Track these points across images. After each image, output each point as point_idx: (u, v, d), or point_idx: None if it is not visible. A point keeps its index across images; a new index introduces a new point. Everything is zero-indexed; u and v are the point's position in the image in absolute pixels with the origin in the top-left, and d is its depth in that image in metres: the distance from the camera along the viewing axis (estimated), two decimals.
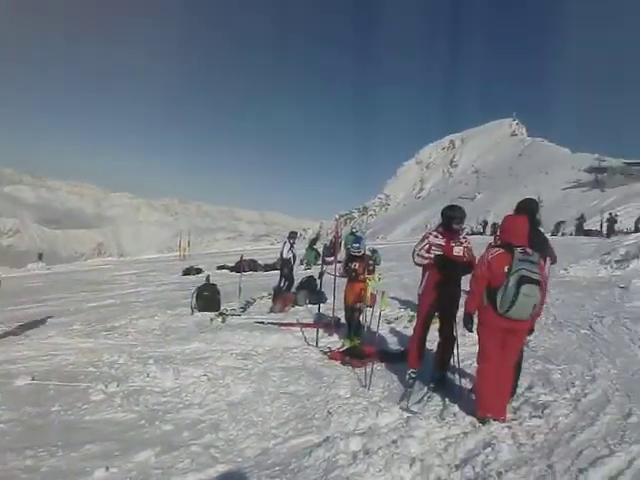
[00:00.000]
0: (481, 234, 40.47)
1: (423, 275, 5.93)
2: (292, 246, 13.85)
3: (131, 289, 16.61)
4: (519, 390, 5.43)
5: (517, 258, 4.58)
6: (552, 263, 9.91)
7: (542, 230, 5.85)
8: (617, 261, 15.91)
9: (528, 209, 5.45)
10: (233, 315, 10.69)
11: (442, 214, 5.91)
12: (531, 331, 5.05)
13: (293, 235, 14.63)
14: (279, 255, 14.06)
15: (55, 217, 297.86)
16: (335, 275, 8.65)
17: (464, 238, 5.87)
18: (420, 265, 5.87)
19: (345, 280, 8.45)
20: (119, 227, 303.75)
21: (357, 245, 8.24)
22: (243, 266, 16.08)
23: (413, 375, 5.98)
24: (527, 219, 4.94)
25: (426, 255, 5.73)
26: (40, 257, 38.19)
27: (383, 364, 6.90)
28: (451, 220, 5.76)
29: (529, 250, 4.63)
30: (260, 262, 22.52)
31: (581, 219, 38.28)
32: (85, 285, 17.88)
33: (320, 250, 22.82)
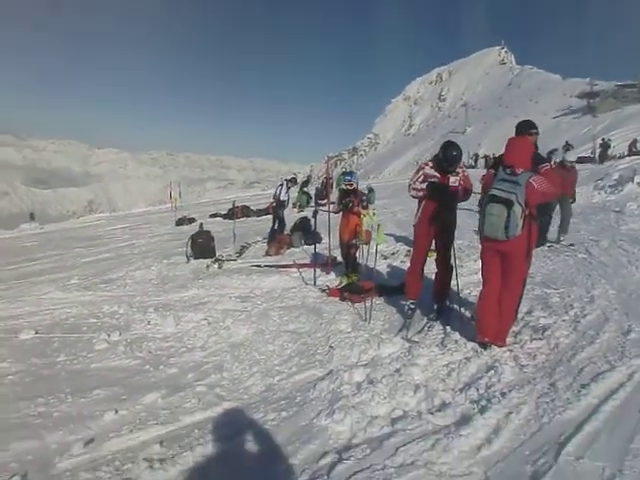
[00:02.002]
0: (473, 167, 40.24)
1: (418, 205, 5.89)
2: (289, 189, 13.70)
3: (125, 242, 16.59)
4: (519, 315, 5.46)
5: (498, 177, 4.58)
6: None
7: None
8: (611, 186, 16.00)
9: (520, 130, 5.35)
10: (229, 260, 10.68)
11: (440, 148, 5.80)
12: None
13: (293, 180, 14.49)
14: (274, 197, 13.85)
15: (43, 177, 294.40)
16: (329, 211, 8.57)
17: (460, 167, 5.79)
18: (416, 198, 5.82)
19: (339, 219, 8.38)
20: (108, 183, 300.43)
21: (349, 178, 8.09)
22: (236, 212, 15.99)
23: (412, 306, 6.02)
24: (525, 140, 4.87)
25: (421, 187, 5.67)
26: (32, 217, 38.00)
27: (382, 298, 6.96)
28: (441, 161, 5.68)
29: (519, 170, 4.54)
30: (252, 208, 22.46)
31: (567, 145, 37.77)
32: (79, 241, 17.83)
33: (312, 193, 22.72)
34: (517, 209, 4.41)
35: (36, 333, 6.25)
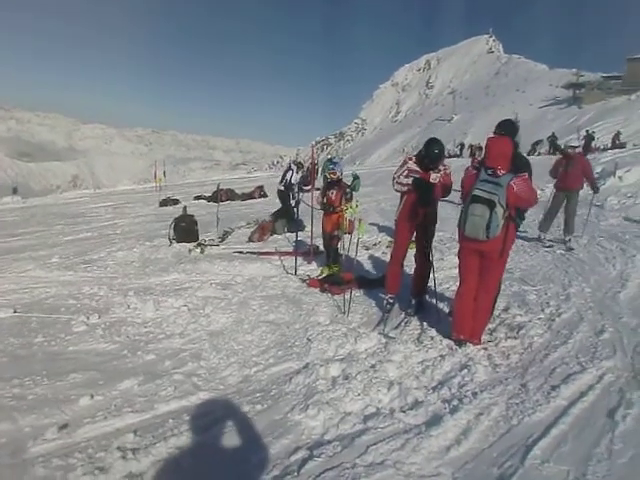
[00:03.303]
0: (458, 157, 40.34)
1: (400, 200, 5.94)
2: (297, 173, 13.43)
3: (108, 221, 16.42)
4: (495, 312, 5.58)
5: (480, 178, 4.62)
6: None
7: (521, 152, 5.84)
8: None
9: (506, 131, 5.40)
10: (212, 245, 10.64)
11: (423, 145, 5.84)
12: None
13: (301, 164, 14.29)
14: (284, 181, 13.55)
15: (27, 150, 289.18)
16: (312, 207, 8.55)
17: (443, 165, 5.82)
18: (400, 192, 5.87)
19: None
20: (93, 159, 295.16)
21: (332, 166, 8.06)
22: (220, 196, 15.90)
23: (391, 301, 6.09)
24: (506, 140, 4.90)
25: (405, 181, 5.71)
26: (15, 191, 37.46)
27: (362, 290, 7.02)
28: (424, 158, 5.71)
29: (501, 172, 4.60)
30: (237, 191, 22.36)
31: (553, 137, 38.10)
32: (62, 218, 17.61)
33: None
34: (499, 210, 4.47)
35: (14, 312, 6.19)
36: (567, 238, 9.34)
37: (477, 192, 4.57)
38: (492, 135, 5.09)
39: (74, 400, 3.97)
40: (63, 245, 11.77)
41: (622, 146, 31.58)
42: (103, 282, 7.66)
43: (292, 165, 13.98)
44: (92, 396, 4.03)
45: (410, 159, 5.90)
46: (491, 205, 4.48)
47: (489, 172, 4.62)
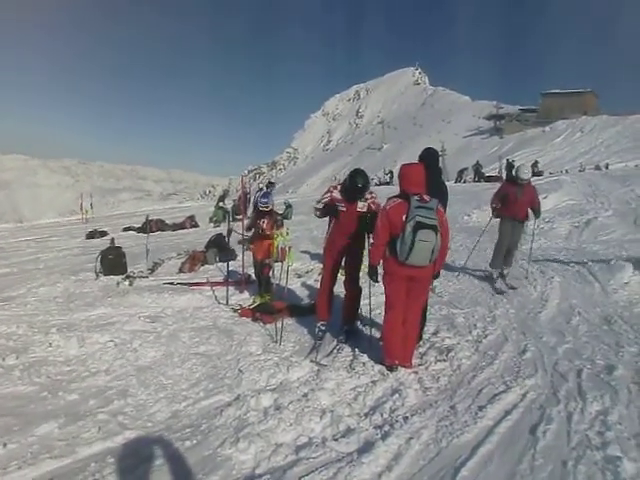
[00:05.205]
0: (388, 184, 41.18)
1: (328, 226, 5.97)
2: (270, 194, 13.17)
3: (30, 256, 15.65)
4: (425, 336, 5.68)
5: (413, 205, 4.64)
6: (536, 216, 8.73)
7: (444, 179, 6.02)
8: None
9: (428, 159, 5.59)
10: (141, 277, 10.33)
11: (348, 176, 5.84)
12: (436, 275, 5.14)
13: (271, 185, 14.07)
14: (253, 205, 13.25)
15: None
16: (243, 235, 8.47)
17: (369, 193, 5.85)
18: (320, 218, 5.93)
19: (253, 238, 8.30)
20: (15, 191, 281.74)
21: (265, 200, 8.07)
22: (150, 226, 15.58)
23: (323, 328, 6.07)
24: (423, 166, 5.02)
25: (323, 211, 5.81)
26: None
27: (294, 318, 6.97)
28: (347, 189, 5.72)
29: (426, 197, 4.70)
30: (168, 222, 21.97)
31: (477, 165, 39.91)
32: None
33: (229, 208, 22.41)
34: (439, 234, 4.58)
35: None
36: (506, 272, 8.67)
37: (420, 219, 4.56)
38: (412, 163, 5.19)
39: None
40: None
41: (539, 174, 33.28)
42: (22, 320, 7.24)
43: (263, 187, 13.72)
44: (5, 445, 3.76)
45: (335, 187, 5.93)
46: (435, 230, 4.58)
47: (417, 198, 4.69)
